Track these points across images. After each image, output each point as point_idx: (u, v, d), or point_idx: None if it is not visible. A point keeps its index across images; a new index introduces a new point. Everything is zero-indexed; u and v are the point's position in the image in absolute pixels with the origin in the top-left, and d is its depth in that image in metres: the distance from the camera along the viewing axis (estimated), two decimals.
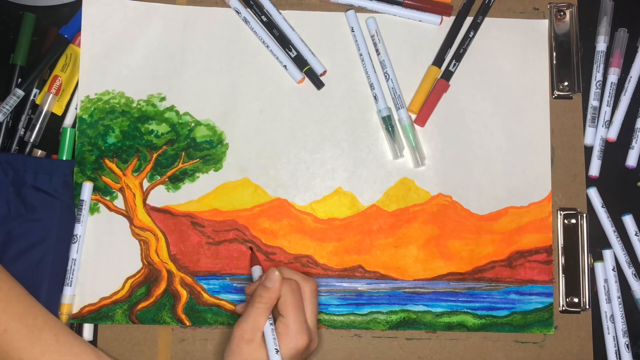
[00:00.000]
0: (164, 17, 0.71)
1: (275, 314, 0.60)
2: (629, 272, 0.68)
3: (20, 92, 0.68)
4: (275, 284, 0.59)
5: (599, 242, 0.70)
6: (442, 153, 0.70)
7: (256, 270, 0.64)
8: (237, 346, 0.58)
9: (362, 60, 0.70)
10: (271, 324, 0.59)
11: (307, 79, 0.70)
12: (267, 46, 0.70)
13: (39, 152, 0.69)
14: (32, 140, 0.68)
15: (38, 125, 0.68)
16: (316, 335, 0.61)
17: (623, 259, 0.69)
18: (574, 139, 0.71)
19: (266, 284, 0.59)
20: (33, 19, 0.69)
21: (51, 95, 0.68)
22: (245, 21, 0.70)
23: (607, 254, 0.69)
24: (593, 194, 0.70)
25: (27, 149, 0.68)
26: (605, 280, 0.68)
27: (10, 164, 0.65)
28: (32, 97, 0.69)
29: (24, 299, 0.60)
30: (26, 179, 0.65)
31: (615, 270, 0.69)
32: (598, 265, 0.69)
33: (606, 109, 0.71)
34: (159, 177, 0.69)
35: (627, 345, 0.67)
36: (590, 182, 0.70)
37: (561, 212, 0.69)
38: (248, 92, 0.70)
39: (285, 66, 0.70)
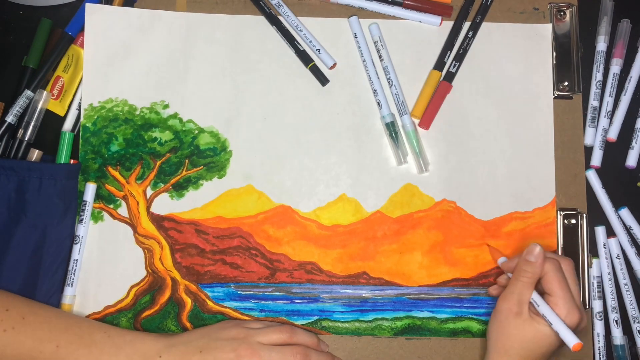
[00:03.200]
0: (167, 25, 0.70)
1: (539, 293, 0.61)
2: (631, 251, 0.69)
3: (30, 94, 0.67)
4: (539, 258, 0.60)
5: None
6: (445, 159, 0.70)
7: (503, 260, 0.65)
8: (506, 319, 0.60)
9: (366, 67, 0.70)
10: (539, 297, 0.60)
11: (313, 78, 0.70)
12: (301, 30, 0.70)
13: (36, 152, 0.68)
14: (27, 138, 0.67)
15: (32, 123, 0.68)
16: (584, 312, 0.62)
17: (626, 249, 0.69)
18: (574, 139, 0.71)
19: (529, 258, 0.60)
20: (49, 24, 0.69)
21: (45, 92, 0.68)
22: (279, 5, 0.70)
23: (611, 242, 0.69)
24: (592, 176, 0.70)
25: (22, 148, 0.67)
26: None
27: (14, 170, 0.64)
28: None
29: (61, 314, 0.62)
30: (30, 184, 0.65)
31: (622, 258, 0.69)
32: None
33: (606, 110, 0.71)
34: (163, 185, 0.68)
35: (628, 345, 0.68)
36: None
37: (561, 213, 0.69)
38: (251, 98, 0.70)
39: (318, 50, 0.69)
